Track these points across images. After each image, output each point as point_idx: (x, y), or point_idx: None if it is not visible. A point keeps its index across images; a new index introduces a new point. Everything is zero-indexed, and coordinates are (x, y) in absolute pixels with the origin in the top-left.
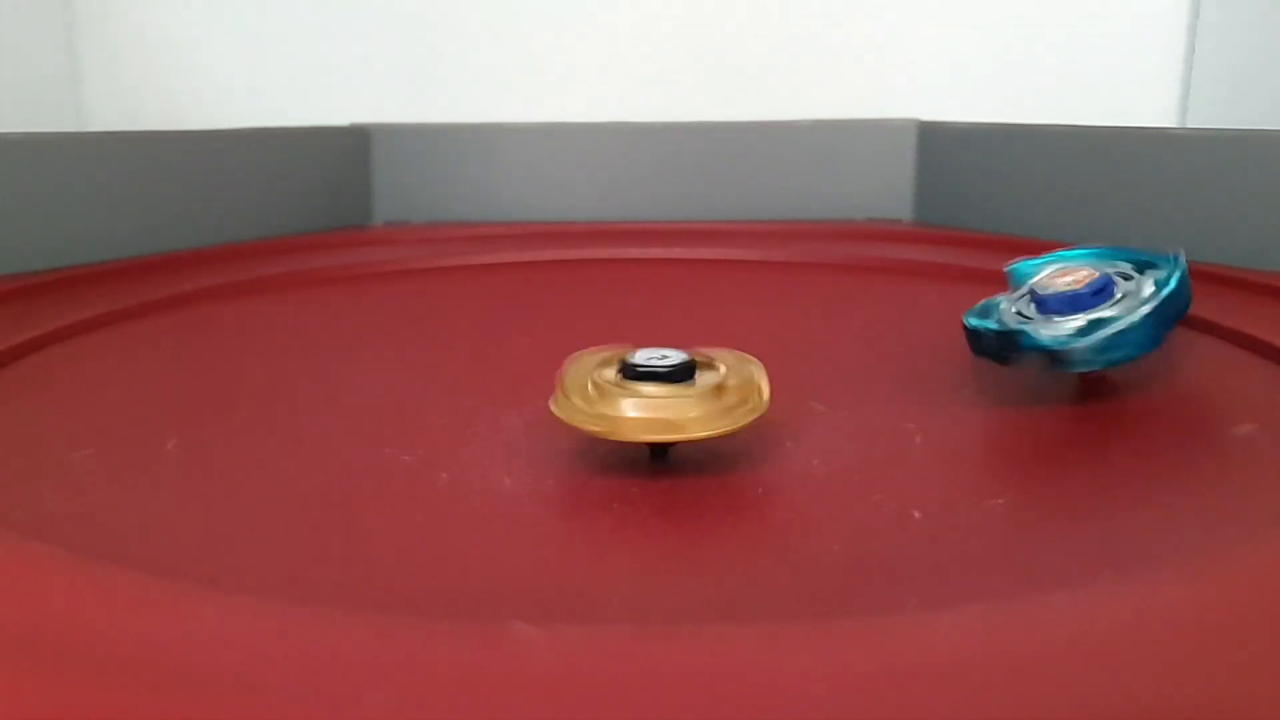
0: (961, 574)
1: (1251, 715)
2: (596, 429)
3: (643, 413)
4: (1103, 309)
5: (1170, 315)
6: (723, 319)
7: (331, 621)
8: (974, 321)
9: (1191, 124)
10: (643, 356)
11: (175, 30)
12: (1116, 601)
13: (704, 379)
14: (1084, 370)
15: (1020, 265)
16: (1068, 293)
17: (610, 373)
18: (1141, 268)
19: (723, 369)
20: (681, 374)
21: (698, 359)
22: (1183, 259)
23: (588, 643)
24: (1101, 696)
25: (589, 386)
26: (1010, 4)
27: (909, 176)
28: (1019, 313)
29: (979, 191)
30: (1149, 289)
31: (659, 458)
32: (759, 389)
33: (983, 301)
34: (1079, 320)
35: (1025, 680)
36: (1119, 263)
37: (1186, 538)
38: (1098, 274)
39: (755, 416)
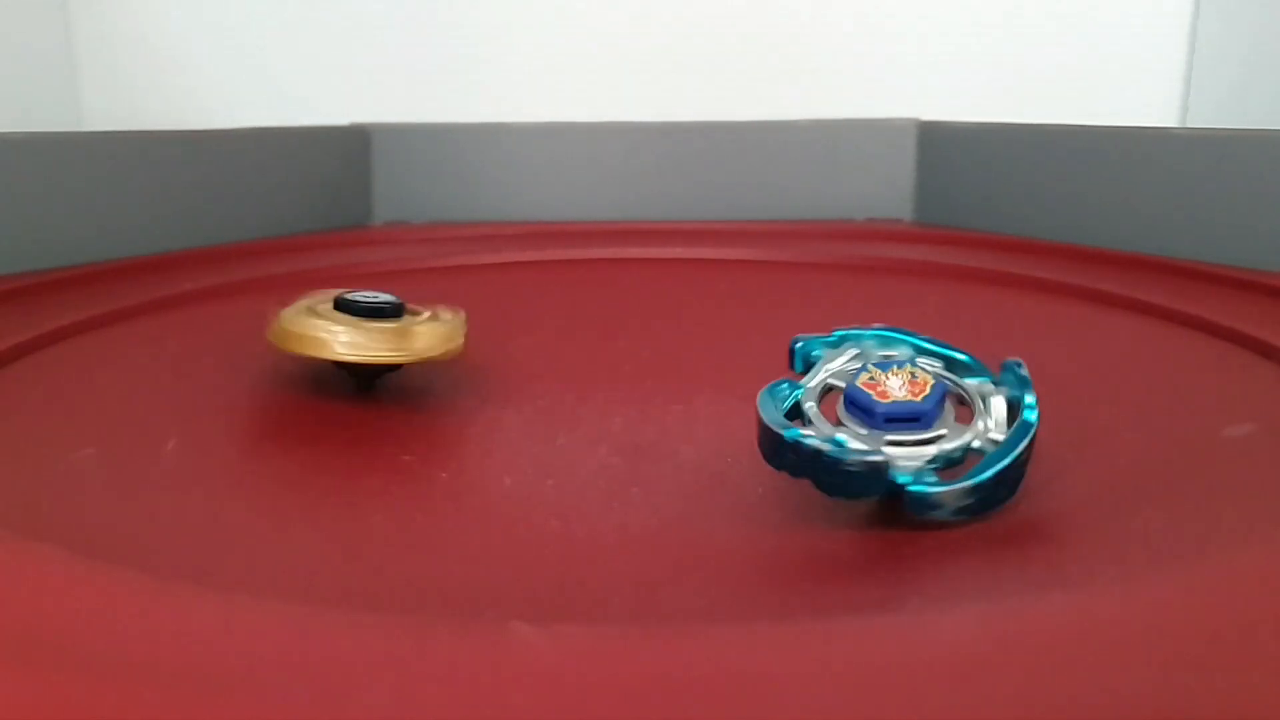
0: (962, 573)
1: (1251, 715)
2: (308, 351)
3: (355, 337)
4: (938, 430)
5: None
6: (722, 318)
7: (331, 621)
8: (798, 435)
9: (1191, 124)
10: (358, 294)
11: (175, 30)
12: (1116, 601)
13: (409, 318)
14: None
15: (807, 343)
16: (906, 403)
17: (325, 307)
18: (950, 365)
19: (426, 313)
20: (391, 312)
21: (406, 305)
22: (1024, 370)
23: (587, 643)
24: (1101, 696)
25: (305, 316)
26: (1010, 4)
27: (909, 176)
28: (839, 423)
29: (979, 191)
30: (998, 406)
31: (365, 386)
32: (459, 330)
33: (767, 389)
34: (929, 450)
35: (1025, 680)
36: (929, 359)
37: (1186, 538)
38: (932, 379)
39: (450, 349)
